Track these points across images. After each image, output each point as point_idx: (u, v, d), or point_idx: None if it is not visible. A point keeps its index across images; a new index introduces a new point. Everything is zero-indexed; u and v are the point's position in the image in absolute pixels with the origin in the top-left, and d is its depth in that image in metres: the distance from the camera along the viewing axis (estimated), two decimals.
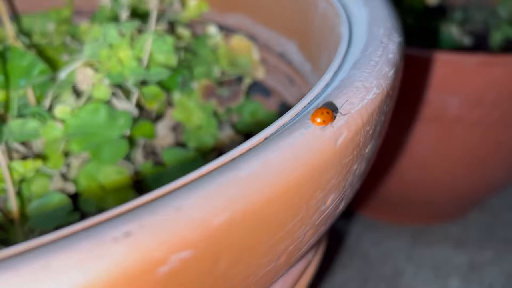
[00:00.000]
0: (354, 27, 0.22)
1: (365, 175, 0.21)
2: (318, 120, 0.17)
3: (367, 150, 0.17)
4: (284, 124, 0.16)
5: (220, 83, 0.39)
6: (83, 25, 0.39)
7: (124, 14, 0.33)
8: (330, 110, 0.17)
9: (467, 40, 0.52)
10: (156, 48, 0.31)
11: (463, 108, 0.44)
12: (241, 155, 0.15)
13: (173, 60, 0.34)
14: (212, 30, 0.40)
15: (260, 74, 0.39)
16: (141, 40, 0.31)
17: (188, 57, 0.39)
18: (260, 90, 0.40)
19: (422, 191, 0.53)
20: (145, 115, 0.40)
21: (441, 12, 0.58)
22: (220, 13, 0.40)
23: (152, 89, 0.31)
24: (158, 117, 0.39)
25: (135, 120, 0.34)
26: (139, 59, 0.32)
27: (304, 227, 0.16)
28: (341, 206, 0.19)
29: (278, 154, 0.14)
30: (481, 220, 0.63)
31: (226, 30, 0.40)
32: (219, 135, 0.36)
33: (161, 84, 0.34)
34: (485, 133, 0.46)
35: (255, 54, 0.39)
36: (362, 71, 0.18)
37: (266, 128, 0.16)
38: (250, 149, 0.15)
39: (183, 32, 0.38)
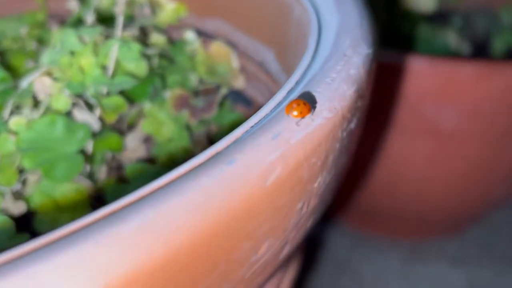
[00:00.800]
0: (322, 37, 0.19)
1: (325, 208, 0.18)
2: (295, 112, 0.15)
3: (316, 185, 0.15)
4: (213, 156, 0.14)
5: (197, 92, 0.37)
6: (56, 29, 0.37)
7: (90, 19, 0.30)
8: (306, 102, 0.16)
9: (465, 48, 0.49)
10: (121, 55, 0.29)
11: (459, 121, 0.41)
12: (136, 201, 0.12)
13: (142, 68, 0.31)
14: (190, 35, 0.38)
15: (240, 83, 0.36)
16: (106, 47, 0.29)
17: (163, 64, 0.36)
18: (242, 100, 0.38)
19: (416, 207, 0.50)
20: (117, 126, 0.37)
21: (440, 19, 0.55)
22: (199, 18, 0.38)
23: (114, 100, 0.28)
24: (131, 127, 0.37)
25: (101, 132, 0.31)
26: (104, 67, 0.30)
27: (228, 284, 0.13)
28: (286, 251, 0.16)
29: (182, 200, 0.12)
30: (480, 236, 0.60)
31: (205, 36, 0.38)
32: (192, 148, 0.33)
33: (130, 94, 0.32)
34: (484, 147, 0.43)
35: (235, 62, 0.36)
36: (313, 91, 0.15)
37: (189, 161, 0.14)
38: (151, 192, 0.13)
39: (158, 37, 0.36)
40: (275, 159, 0.13)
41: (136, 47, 0.29)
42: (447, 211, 0.51)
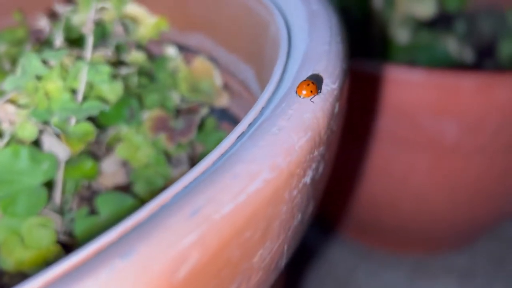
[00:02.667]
0: (289, 65, 0.17)
1: (278, 274, 0.16)
2: (304, 92, 0.17)
3: (256, 259, 0.12)
4: (106, 247, 0.11)
5: (178, 111, 0.35)
6: (36, 46, 0.36)
7: (58, 41, 0.29)
8: (314, 82, 0.17)
9: (468, 55, 0.46)
10: (90, 78, 0.27)
11: (461, 135, 0.38)
12: None
13: (116, 90, 0.30)
14: (171, 51, 0.36)
15: (223, 101, 0.34)
16: (74, 70, 0.27)
17: (143, 83, 0.34)
18: (227, 118, 0.36)
19: (419, 221, 0.47)
20: (93, 150, 0.36)
21: (442, 23, 0.53)
22: (181, 33, 0.36)
23: (82, 127, 0.26)
24: (109, 149, 0.35)
25: (75, 158, 0.30)
26: (74, 91, 0.28)
27: None
28: None
29: None
30: (491, 249, 0.57)
31: (188, 51, 0.36)
32: (172, 173, 0.31)
33: (103, 118, 0.30)
34: (489, 161, 0.40)
35: (218, 79, 0.34)
36: (254, 145, 0.13)
37: (76, 253, 0.11)
38: None
39: (137, 55, 0.34)
40: (190, 244, 0.11)
41: (105, 69, 0.27)
42: (453, 225, 0.48)
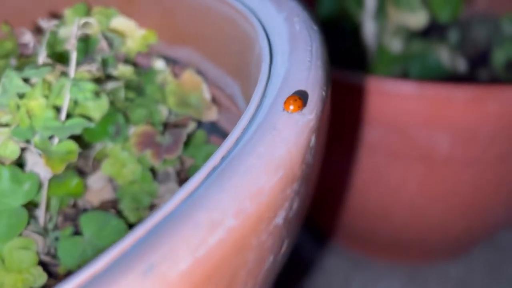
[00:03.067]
0: (267, 92, 0.17)
1: None
2: (291, 107, 0.18)
3: None
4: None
5: (166, 125, 0.35)
6: (22, 59, 0.35)
7: (42, 57, 0.28)
8: (300, 97, 0.18)
9: (461, 64, 0.46)
10: (73, 96, 0.27)
11: (454, 147, 0.38)
12: None
13: (101, 107, 0.29)
14: (160, 64, 0.35)
15: (212, 115, 0.34)
16: (57, 88, 0.27)
17: (130, 96, 0.34)
18: (217, 131, 0.35)
19: (414, 232, 0.47)
20: (81, 164, 0.35)
21: (436, 32, 0.52)
22: (169, 46, 0.36)
23: (65, 146, 0.26)
24: (97, 163, 0.35)
25: (60, 175, 0.29)
26: (57, 109, 0.28)
27: None
28: None
29: None
30: (487, 258, 0.56)
31: (176, 64, 0.36)
32: (159, 189, 0.31)
33: (88, 134, 0.29)
34: (482, 172, 0.40)
35: (206, 93, 0.34)
36: (219, 188, 0.12)
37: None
38: None
39: (124, 69, 0.34)
40: None
41: (89, 86, 0.27)
42: (448, 235, 0.48)
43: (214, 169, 0.14)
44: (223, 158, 0.14)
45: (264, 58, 0.19)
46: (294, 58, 0.18)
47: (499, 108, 0.35)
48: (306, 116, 0.16)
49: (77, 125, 0.26)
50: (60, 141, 0.26)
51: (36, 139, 0.25)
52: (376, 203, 0.45)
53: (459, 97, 0.34)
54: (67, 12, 0.36)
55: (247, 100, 0.26)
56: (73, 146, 0.26)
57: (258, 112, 0.16)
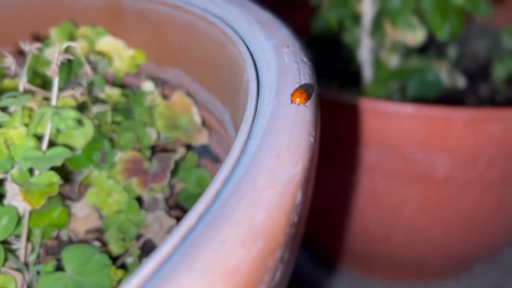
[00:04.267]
0: (252, 133, 0.15)
1: None
2: (298, 99, 0.19)
3: None
4: None
5: (154, 148, 0.33)
6: (7, 81, 0.34)
7: (22, 83, 0.27)
8: (304, 91, 0.19)
9: (460, 81, 0.45)
10: (54, 125, 0.25)
11: (453, 168, 0.37)
12: None
13: (86, 134, 0.28)
14: (148, 85, 0.34)
15: (203, 138, 0.33)
16: (37, 116, 0.26)
17: (117, 120, 0.33)
18: (208, 155, 0.34)
19: (413, 252, 0.46)
20: (66, 189, 0.34)
21: (435, 47, 0.51)
22: (159, 67, 0.34)
23: (45, 177, 0.25)
24: (84, 188, 0.33)
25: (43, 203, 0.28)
26: (39, 137, 0.27)
27: None
28: None
29: None
30: (488, 277, 0.55)
31: (166, 84, 0.35)
32: (146, 218, 0.30)
33: (72, 162, 0.28)
34: (483, 194, 0.39)
35: (197, 116, 0.33)
36: (189, 268, 0.11)
37: None
38: None
39: (111, 91, 0.33)
40: None
41: (71, 114, 0.26)
42: (448, 255, 0.46)
43: (189, 233, 0.12)
44: (200, 219, 0.13)
45: (251, 92, 0.18)
46: (282, 96, 0.17)
47: (498, 130, 0.34)
48: (290, 170, 0.14)
49: (59, 155, 0.25)
50: (40, 172, 0.25)
51: (14, 171, 0.24)
52: (375, 223, 0.44)
53: (459, 118, 0.33)
54: (53, 32, 0.35)
55: (237, 128, 0.24)
56: (54, 177, 0.25)
57: (241, 159, 0.15)
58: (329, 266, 0.55)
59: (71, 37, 0.36)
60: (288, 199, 0.13)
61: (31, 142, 0.26)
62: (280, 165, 0.14)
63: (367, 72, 0.45)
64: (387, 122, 0.35)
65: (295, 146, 0.15)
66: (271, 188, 0.14)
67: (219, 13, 0.27)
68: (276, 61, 0.20)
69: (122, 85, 0.37)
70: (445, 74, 0.43)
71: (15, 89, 0.30)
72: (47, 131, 0.26)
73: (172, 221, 0.30)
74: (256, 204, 0.13)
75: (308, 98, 0.19)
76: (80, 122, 0.27)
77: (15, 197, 0.26)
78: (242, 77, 0.22)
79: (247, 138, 0.16)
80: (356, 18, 0.41)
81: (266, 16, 0.24)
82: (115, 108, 0.34)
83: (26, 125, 0.26)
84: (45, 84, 0.34)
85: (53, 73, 0.26)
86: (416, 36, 0.38)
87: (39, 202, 0.24)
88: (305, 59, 0.20)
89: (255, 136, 0.16)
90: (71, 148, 0.28)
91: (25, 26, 0.36)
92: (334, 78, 0.49)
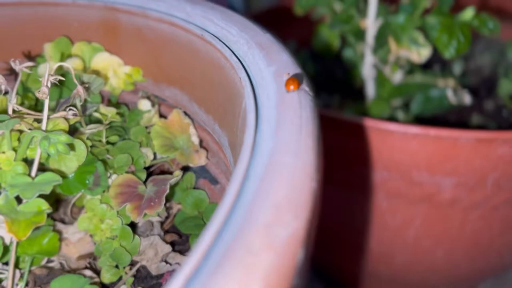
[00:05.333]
0: (250, 174, 0.14)
1: None
2: (291, 87, 0.20)
3: None
4: None
5: (150, 168, 0.32)
6: None
7: (11, 105, 0.26)
8: (296, 78, 0.20)
9: (466, 97, 0.44)
10: (44, 150, 0.24)
11: (459, 190, 0.36)
12: None
13: (79, 157, 0.27)
14: (145, 104, 0.33)
15: (200, 160, 0.31)
16: (27, 139, 0.25)
17: (112, 140, 0.32)
18: (206, 175, 0.33)
19: (417, 273, 0.44)
20: (59, 213, 0.33)
21: (440, 64, 0.50)
22: (156, 84, 0.33)
23: (33, 205, 0.24)
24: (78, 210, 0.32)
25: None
26: (29, 161, 0.25)
27: None
28: None
29: None
30: None
31: (163, 102, 0.33)
32: (140, 244, 0.29)
33: (64, 187, 0.27)
34: (488, 215, 0.38)
35: (195, 137, 0.31)
36: None
37: None
38: None
39: (107, 110, 0.32)
40: None
41: (62, 138, 0.25)
42: (452, 276, 0.45)
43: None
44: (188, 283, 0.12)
45: (249, 125, 0.17)
46: (281, 134, 0.16)
47: (508, 151, 0.33)
48: (290, 225, 0.13)
49: (48, 182, 0.24)
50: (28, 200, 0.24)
51: (2, 200, 0.23)
52: (379, 243, 0.43)
53: (465, 140, 0.32)
54: (47, 47, 0.34)
55: (234, 153, 0.23)
56: (42, 205, 0.24)
57: (236, 210, 0.13)
58: (331, 284, 0.54)
59: (66, 53, 0.35)
60: (288, 262, 0.12)
61: (20, 168, 0.25)
62: (279, 220, 0.13)
63: (370, 88, 0.44)
64: (392, 143, 0.34)
65: (296, 195, 0.14)
66: (268, 250, 0.12)
67: (217, 32, 0.26)
68: (276, 90, 0.19)
69: (118, 102, 0.36)
70: (451, 91, 0.42)
71: (5, 107, 0.29)
72: (36, 156, 0.25)
73: (167, 248, 0.29)
74: (252, 272, 0.12)
75: (300, 83, 0.20)
76: (71, 146, 0.26)
77: (1, 225, 0.25)
78: (241, 104, 0.21)
79: (242, 183, 0.14)
80: (359, 34, 0.40)
81: (266, 38, 0.23)
82: (111, 127, 0.33)
83: (15, 149, 0.25)
84: (38, 101, 0.33)
85: (43, 95, 0.25)
86: (421, 53, 0.37)
87: (25, 233, 0.23)
88: (306, 89, 0.19)
89: (252, 181, 0.14)
90: (62, 172, 0.26)
91: (20, 41, 0.35)
92: (336, 92, 0.48)
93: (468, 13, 0.35)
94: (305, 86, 0.20)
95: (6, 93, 0.32)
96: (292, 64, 0.21)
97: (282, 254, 0.12)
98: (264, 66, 0.21)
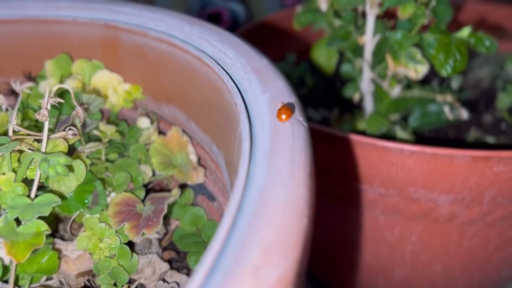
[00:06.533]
0: (242, 210, 0.15)
1: None
2: (283, 116, 0.20)
3: None
4: None
5: (148, 185, 0.33)
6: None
7: (12, 126, 0.26)
8: (289, 108, 0.20)
9: (464, 113, 0.44)
10: (43, 172, 0.25)
11: (456, 207, 0.36)
12: None
13: (78, 176, 0.27)
14: (145, 122, 0.33)
15: (198, 177, 0.32)
16: (27, 160, 0.25)
17: (112, 158, 0.32)
18: (204, 192, 0.33)
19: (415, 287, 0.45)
20: (58, 229, 0.33)
21: (437, 78, 0.50)
22: (155, 102, 0.34)
23: (33, 226, 0.24)
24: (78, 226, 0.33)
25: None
26: (29, 181, 0.26)
27: None
28: None
29: None
30: None
31: (162, 119, 0.34)
32: (139, 262, 0.29)
33: (63, 207, 0.27)
34: (485, 231, 0.38)
35: (193, 155, 0.32)
36: None
37: None
38: None
39: (106, 128, 0.32)
40: None
41: (61, 160, 0.25)
42: None
43: None
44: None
45: (243, 154, 0.17)
46: (273, 167, 0.16)
47: (505, 169, 0.33)
48: (279, 267, 0.13)
49: (47, 204, 0.24)
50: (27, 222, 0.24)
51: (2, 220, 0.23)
52: (376, 258, 0.43)
53: (462, 158, 0.32)
54: (48, 64, 0.35)
55: (231, 174, 0.24)
56: (42, 227, 0.24)
57: (225, 250, 0.13)
58: None
59: (67, 70, 0.35)
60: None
61: (20, 188, 0.25)
62: (267, 262, 0.13)
63: (368, 103, 0.44)
64: (389, 160, 0.34)
65: (286, 234, 0.14)
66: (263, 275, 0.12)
67: (215, 54, 0.27)
68: (270, 119, 0.19)
69: (118, 119, 0.36)
70: (448, 108, 0.42)
71: (6, 125, 0.29)
72: (36, 177, 0.26)
73: (165, 266, 0.29)
74: None
75: (293, 112, 0.20)
76: (71, 168, 0.26)
77: (0, 245, 0.25)
78: (237, 129, 0.22)
79: (234, 218, 0.15)
80: (357, 50, 0.40)
81: (262, 63, 0.24)
82: (110, 144, 0.33)
83: (15, 170, 0.26)
84: (37, 122, 0.33)
85: (42, 118, 0.25)
86: (418, 70, 0.37)
87: (24, 255, 0.23)
88: (300, 119, 0.19)
89: (244, 217, 0.15)
90: (62, 191, 0.27)
91: (21, 57, 0.35)
92: (334, 104, 0.49)
93: (465, 31, 0.36)
94: (298, 116, 0.20)
95: (7, 109, 0.32)
96: (287, 91, 0.21)
97: None
98: (260, 93, 0.21)
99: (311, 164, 0.17)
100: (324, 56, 0.43)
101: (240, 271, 0.13)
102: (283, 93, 0.21)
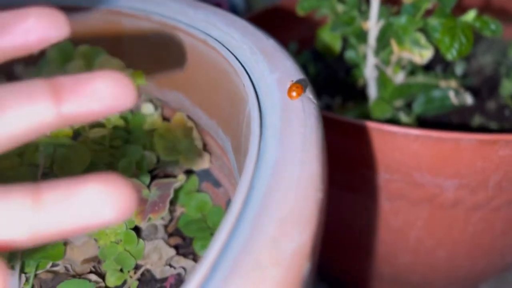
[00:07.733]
0: (254, 185, 0.14)
1: None
2: (294, 94, 0.20)
3: None
4: None
5: (153, 172, 0.32)
6: None
7: None
8: (300, 85, 0.20)
9: (468, 99, 0.44)
10: (49, 154, 0.24)
11: (461, 192, 0.36)
12: None
13: (83, 160, 0.27)
14: (148, 108, 0.33)
15: (204, 163, 0.32)
16: (32, 147, 0.25)
17: (116, 144, 0.32)
18: (210, 179, 0.33)
19: (419, 274, 0.45)
20: None
21: (441, 63, 0.50)
22: (159, 89, 0.33)
23: None
24: None
25: None
26: (34, 165, 0.26)
27: None
28: None
29: None
30: None
31: (166, 105, 0.34)
32: (145, 248, 0.29)
33: None
34: (490, 216, 0.38)
35: (198, 141, 0.32)
36: None
37: None
38: None
39: (109, 116, 0.32)
40: None
41: (65, 141, 0.25)
42: (454, 276, 0.45)
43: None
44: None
45: (253, 134, 0.17)
46: (286, 144, 0.16)
47: (510, 153, 0.33)
48: (296, 240, 0.13)
49: None
50: None
51: None
52: (381, 244, 0.43)
53: (468, 142, 0.32)
54: (50, 51, 0.34)
55: (238, 158, 0.23)
56: None
57: (241, 222, 0.13)
58: (333, 285, 0.54)
59: (69, 56, 0.35)
60: (295, 276, 0.12)
61: (25, 170, 0.25)
62: (285, 234, 0.13)
63: (372, 89, 0.44)
64: (393, 144, 0.34)
65: (302, 208, 0.14)
66: (276, 265, 0.12)
67: (220, 37, 0.26)
68: (280, 98, 0.19)
69: None
70: (453, 92, 0.42)
71: None
72: (41, 161, 0.25)
73: (171, 251, 0.29)
74: (259, 286, 0.12)
75: (304, 89, 0.20)
76: (75, 151, 0.26)
77: None
78: (245, 110, 0.21)
79: (248, 194, 0.15)
80: (361, 36, 0.40)
81: (269, 44, 0.23)
82: (114, 131, 0.33)
83: (20, 154, 0.25)
84: None
85: None
86: (423, 55, 0.37)
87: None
88: (310, 96, 0.19)
89: (257, 192, 0.14)
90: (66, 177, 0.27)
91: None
92: (337, 92, 0.48)
93: (470, 15, 0.35)
94: (308, 94, 0.20)
95: None
96: (296, 71, 0.21)
97: (289, 268, 0.13)
98: (268, 73, 0.21)
99: (323, 140, 0.17)
100: (328, 42, 0.43)
101: (259, 242, 0.13)
102: (292, 72, 0.21)
